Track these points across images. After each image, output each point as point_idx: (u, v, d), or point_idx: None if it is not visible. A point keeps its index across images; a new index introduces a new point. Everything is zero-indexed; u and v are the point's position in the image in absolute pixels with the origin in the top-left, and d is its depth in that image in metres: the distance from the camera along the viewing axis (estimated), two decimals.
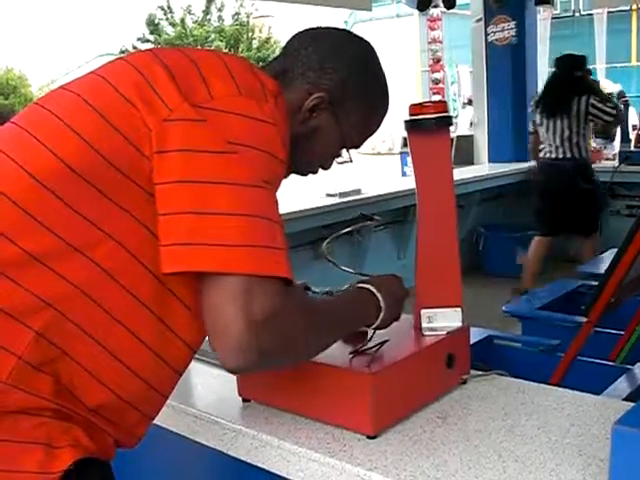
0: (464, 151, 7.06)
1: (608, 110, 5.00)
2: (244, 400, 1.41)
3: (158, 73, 1.04)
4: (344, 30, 1.30)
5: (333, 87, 1.19)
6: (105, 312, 1.00)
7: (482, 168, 6.96)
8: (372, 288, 1.27)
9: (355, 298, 1.28)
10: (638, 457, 0.95)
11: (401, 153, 13.23)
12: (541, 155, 5.27)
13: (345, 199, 4.73)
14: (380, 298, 1.26)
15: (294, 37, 1.25)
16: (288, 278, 1.01)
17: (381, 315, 1.27)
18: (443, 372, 1.38)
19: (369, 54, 1.26)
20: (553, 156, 5.14)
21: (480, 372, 1.49)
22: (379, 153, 22.15)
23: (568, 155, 5.05)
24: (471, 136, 7.55)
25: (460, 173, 6.05)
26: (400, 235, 5.64)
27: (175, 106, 1.00)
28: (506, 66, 7.00)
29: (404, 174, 12.43)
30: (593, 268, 4.14)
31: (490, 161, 7.19)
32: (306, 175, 1.30)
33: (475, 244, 6.46)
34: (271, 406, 1.37)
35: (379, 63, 1.28)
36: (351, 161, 1.29)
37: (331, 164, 1.30)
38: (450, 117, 1.39)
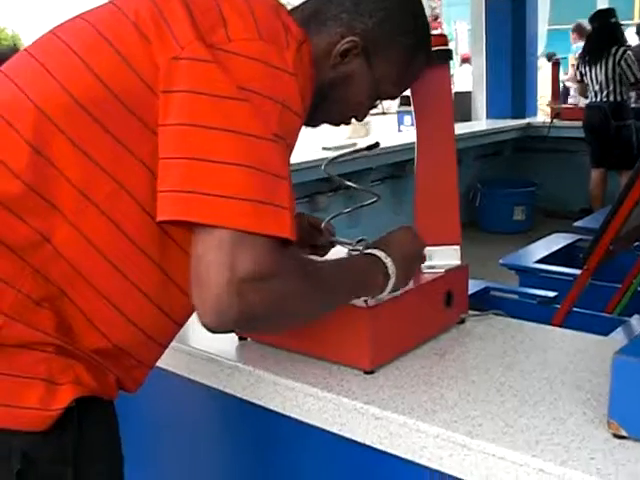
0: (462, 108, 7.00)
1: (634, 74, 5.84)
2: (240, 338, 1.40)
3: (175, 8, 0.98)
4: None
5: (368, 31, 1.12)
6: (102, 256, 0.97)
7: (480, 124, 6.92)
8: (381, 254, 1.18)
9: (362, 266, 1.19)
10: (638, 387, 0.95)
11: (398, 112, 13.12)
12: (587, 100, 6.19)
13: (344, 151, 4.68)
14: (389, 264, 1.18)
15: None
16: (289, 238, 0.95)
17: (390, 282, 1.19)
18: (441, 310, 1.37)
19: None
20: (594, 100, 6.03)
21: (478, 312, 1.48)
22: (375, 113, 21.99)
23: (604, 99, 5.93)
24: (469, 93, 7.48)
25: (457, 129, 5.96)
26: (397, 190, 5.61)
27: (186, 44, 0.94)
28: (506, 21, 6.94)
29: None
30: (590, 223, 4.13)
31: (488, 117, 7.16)
32: (338, 125, 1.24)
33: (472, 201, 6.44)
34: (267, 344, 1.36)
35: (421, 7, 1.20)
36: (384, 113, 1.24)
37: (365, 115, 1.23)
38: (450, 50, 1.36)
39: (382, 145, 5.35)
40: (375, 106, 1.24)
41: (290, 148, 1.02)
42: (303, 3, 1.17)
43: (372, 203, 1.44)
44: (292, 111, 0.98)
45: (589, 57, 6.01)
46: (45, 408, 0.94)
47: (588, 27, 6.53)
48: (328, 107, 1.13)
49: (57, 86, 0.96)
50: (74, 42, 1.00)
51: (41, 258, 0.94)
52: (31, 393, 0.94)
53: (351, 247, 1.40)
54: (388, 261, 1.18)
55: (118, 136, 0.95)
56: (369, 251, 1.21)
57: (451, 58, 1.37)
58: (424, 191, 1.41)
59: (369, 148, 1.47)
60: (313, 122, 1.20)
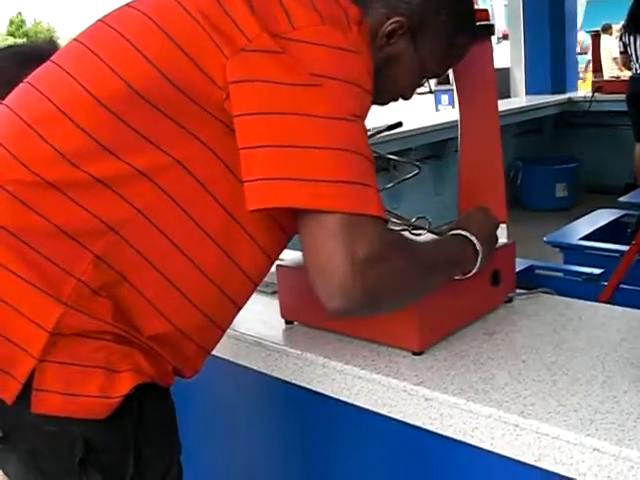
0: (500, 85, 6.88)
1: None
2: (287, 322, 1.41)
3: (235, 1, 0.98)
4: None
5: (413, 11, 1.11)
6: (168, 240, 0.98)
7: (519, 101, 6.82)
8: (467, 234, 1.22)
9: (454, 245, 1.22)
10: None
11: (435, 92, 13.00)
12: (631, 72, 6.07)
13: (382, 133, 4.65)
14: (476, 242, 1.21)
15: None
16: (382, 217, 0.97)
17: (479, 259, 1.22)
18: (488, 289, 1.35)
19: None
20: (637, 71, 5.94)
21: (525, 291, 1.46)
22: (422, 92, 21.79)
23: None
24: (507, 69, 7.37)
25: None
26: (437, 170, 5.57)
27: (254, 36, 0.94)
28: None
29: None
30: (636, 198, 4.06)
31: (527, 94, 7.05)
32: (386, 105, 1.24)
33: (513, 179, 6.36)
34: (314, 327, 1.36)
35: None
36: (431, 92, 1.24)
37: (412, 94, 1.24)
38: (492, 25, 1.33)
39: (421, 125, 5.30)
40: (422, 84, 1.24)
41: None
42: None
43: (414, 175, 1.43)
44: (364, 89, 0.99)
45: (632, 26, 5.86)
46: (105, 396, 0.95)
47: None
48: (376, 88, 1.12)
49: (112, 74, 0.96)
50: (123, 27, 1.00)
51: (104, 245, 0.95)
52: (91, 381, 0.95)
53: (408, 224, 1.39)
54: (474, 239, 1.22)
55: (179, 120, 0.96)
56: (455, 232, 1.24)
57: (493, 33, 1.35)
58: (468, 169, 1.40)
59: (391, 128, 1.46)
60: None
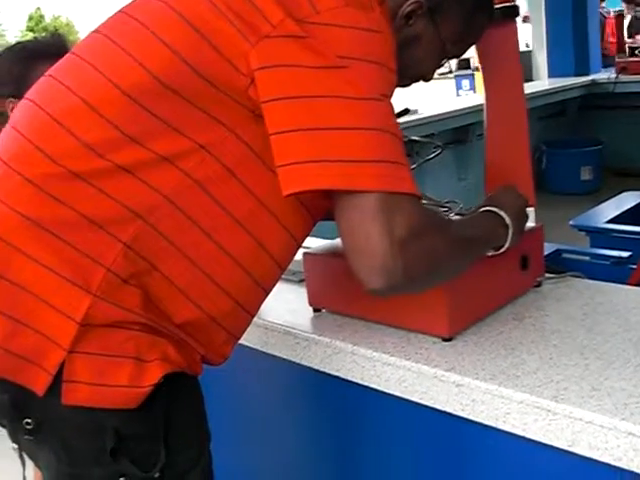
0: (523, 68, 6.81)
1: None
2: (315, 310, 1.40)
3: None
4: None
5: None
6: (197, 226, 0.98)
7: (542, 84, 6.74)
8: (496, 209, 1.22)
9: (484, 221, 1.22)
10: None
11: (455, 76, 12.92)
12: None
13: (404, 119, 4.63)
14: (505, 217, 1.21)
15: None
16: (417, 195, 0.97)
17: (509, 233, 1.22)
18: (517, 274, 1.34)
19: None
20: None
21: (554, 275, 1.44)
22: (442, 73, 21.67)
23: None
24: (529, 52, 7.29)
25: None
26: (460, 156, 5.52)
27: (278, 22, 0.94)
28: None
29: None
30: None
31: (550, 76, 6.96)
32: (407, 87, 1.24)
33: (537, 162, 6.30)
34: (343, 314, 1.36)
35: None
36: (451, 72, 1.23)
37: (432, 75, 1.24)
38: (517, 7, 1.32)
39: (444, 110, 5.26)
40: (442, 65, 1.24)
41: None
42: None
43: (438, 155, 1.42)
44: (389, 69, 0.99)
45: None
46: (135, 385, 0.96)
47: None
48: (397, 69, 1.11)
49: (135, 65, 0.96)
50: (144, 18, 1.00)
51: (133, 233, 0.95)
52: (121, 371, 0.95)
53: (438, 204, 1.38)
54: (503, 213, 1.21)
55: (203, 107, 0.96)
56: (484, 209, 1.24)
57: (518, 14, 1.33)
58: (495, 152, 1.39)
59: (398, 115, 1.45)
60: None
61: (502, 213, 1.21)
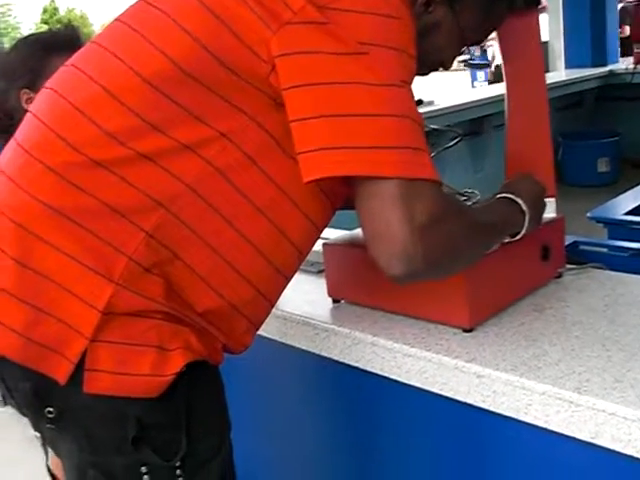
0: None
1: None
2: (334, 301, 1.40)
3: None
4: None
5: None
6: (218, 214, 0.98)
7: (558, 75, 6.69)
8: (512, 196, 1.21)
9: (501, 206, 1.22)
10: None
11: (470, 66, 12.84)
12: None
13: (419, 110, 4.61)
14: (521, 203, 1.21)
15: None
16: (437, 181, 0.97)
17: (526, 219, 1.21)
18: (538, 264, 1.33)
19: None
20: None
21: (575, 266, 1.43)
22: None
23: None
24: (545, 43, 7.24)
25: None
26: (476, 148, 5.50)
27: (299, 8, 0.93)
28: None
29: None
30: None
31: (567, 67, 6.91)
32: (426, 74, 1.23)
33: (554, 154, 6.25)
34: (362, 305, 1.36)
35: None
36: (472, 59, 1.22)
37: (452, 62, 1.24)
38: None
39: (459, 102, 5.24)
40: (462, 53, 1.24)
41: None
42: None
43: (457, 142, 1.41)
44: (410, 55, 0.98)
45: None
46: (157, 374, 0.96)
47: None
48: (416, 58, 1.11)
49: (157, 53, 0.96)
50: (165, 6, 1.00)
51: (155, 222, 0.95)
52: (144, 360, 0.96)
53: (456, 192, 1.37)
54: (519, 200, 1.21)
55: (224, 94, 0.96)
56: (500, 195, 1.23)
57: (539, 3, 1.32)
58: (516, 142, 1.37)
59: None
60: None
61: (519, 200, 1.21)
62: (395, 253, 0.93)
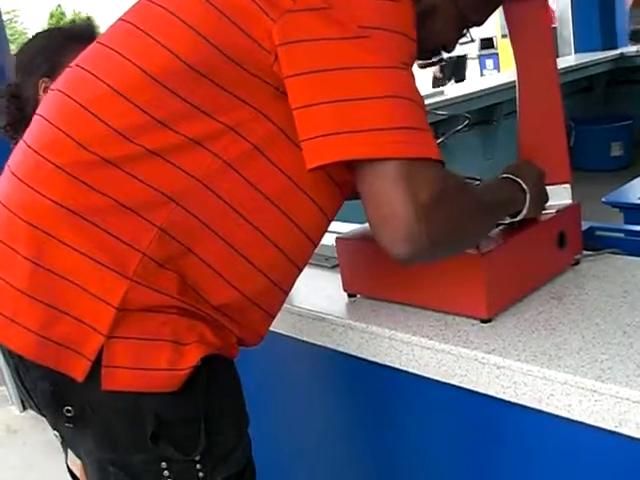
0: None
1: None
2: (349, 296, 1.39)
3: None
4: None
5: None
6: (229, 206, 0.98)
7: (568, 60, 6.63)
8: (512, 176, 1.23)
9: (501, 185, 1.24)
10: None
11: (479, 56, 12.81)
12: None
13: (429, 100, 4.59)
14: (521, 182, 1.22)
15: None
16: (440, 160, 0.96)
17: (527, 198, 1.22)
18: (555, 252, 1.32)
19: None
20: None
21: (592, 252, 1.41)
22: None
23: None
24: (554, 27, 7.18)
25: None
26: (486, 135, 5.46)
27: None
28: None
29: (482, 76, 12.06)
30: None
31: (576, 52, 6.85)
32: (429, 59, 1.23)
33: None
34: (378, 299, 1.35)
35: None
36: (473, 40, 1.21)
37: (454, 45, 1.23)
38: None
39: (469, 90, 5.20)
40: (464, 35, 1.23)
41: None
42: None
43: (465, 126, 1.40)
44: (410, 38, 0.98)
45: None
46: (174, 368, 0.96)
47: None
48: (417, 42, 1.10)
49: (161, 49, 0.96)
50: (170, 4, 1.00)
51: (166, 217, 0.95)
52: (159, 355, 0.96)
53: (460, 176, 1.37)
54: (520, 180, 1.23)
55: (228, 87, 0.95)
56: (500, 176, 1.25)
57: None
58: (529, 129, 1.36)
59: None
60: None
61: (519, 180, 1.22)
62: (399, 234, 0.92)
